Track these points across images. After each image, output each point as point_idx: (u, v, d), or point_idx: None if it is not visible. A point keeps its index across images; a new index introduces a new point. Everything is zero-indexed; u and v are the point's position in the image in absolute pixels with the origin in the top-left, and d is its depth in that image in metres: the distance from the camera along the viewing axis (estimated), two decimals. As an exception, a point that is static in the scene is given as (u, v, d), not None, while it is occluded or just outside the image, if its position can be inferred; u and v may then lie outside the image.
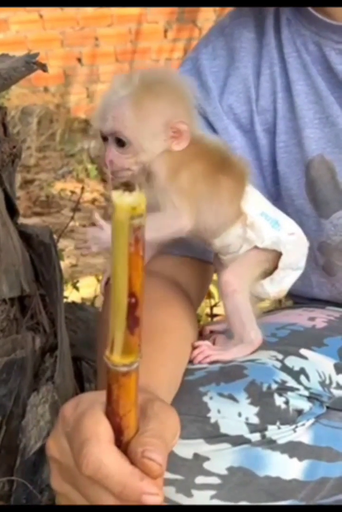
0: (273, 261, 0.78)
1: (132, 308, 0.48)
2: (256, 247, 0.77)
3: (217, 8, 4.14)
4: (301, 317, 0.89)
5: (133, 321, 0.48)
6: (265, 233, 0.77)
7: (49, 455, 0.58)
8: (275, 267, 0.79)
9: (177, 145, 0.74)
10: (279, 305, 1.49)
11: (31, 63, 0.89)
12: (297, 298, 0.99)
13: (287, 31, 0.87)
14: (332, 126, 0.86)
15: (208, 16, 4.17)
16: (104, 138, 0.74)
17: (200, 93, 0.89)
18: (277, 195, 0.89)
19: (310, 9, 0.86)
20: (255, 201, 0.78)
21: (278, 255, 0.78)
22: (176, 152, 0.74)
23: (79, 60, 4.14)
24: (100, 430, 0.53)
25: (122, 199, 0.45)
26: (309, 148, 0.86)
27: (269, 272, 0.79)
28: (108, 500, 0.53)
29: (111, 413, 0.53)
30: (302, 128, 0.86)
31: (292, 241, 0.79)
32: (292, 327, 0.85)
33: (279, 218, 0.79)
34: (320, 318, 0.89)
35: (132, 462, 0.54)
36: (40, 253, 1.16)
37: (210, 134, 0.83)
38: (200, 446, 0.73)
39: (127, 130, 0.72)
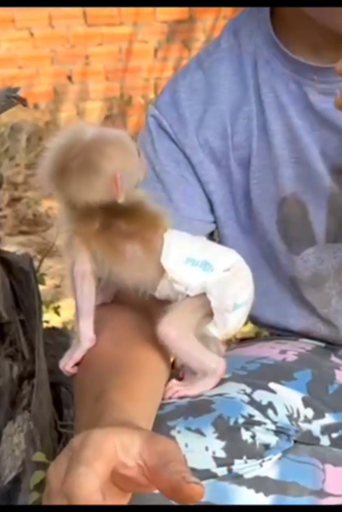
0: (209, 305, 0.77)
1: None
2: (188, 296, 0.76)
3: (207, 30, 4.18)
4: (272, 350, 0.91)
5: None
6: (192, 281, 0.76)
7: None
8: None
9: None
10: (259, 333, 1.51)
11: (12, 98, 0.91)
12: (272, 329, 1.00)
13: (264, 72, 0.88)
14: (306, 166, 0.87)
15: (197, 36, 4.21)
16: None
17: (177, 126, 0.91)
18: (249, 228, 0.91)
19: (289, 52, 0.86)
20: (177, 251, 0.76)
21: None
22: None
23: (69, 78, 4.17)
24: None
25: None
26: (282, 187, 0.87)
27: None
28: None
29: None
30: (277, 167, 0.88)
31: (224, 280, 0.77)
32: (262, 360, 0.87)
33: (210, 257, 0.77)
34: (291, 351, 0.91)
35: None
36: (20, 280, 1.17)
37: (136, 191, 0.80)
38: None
39: None
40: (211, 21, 4.18)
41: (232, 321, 0.79)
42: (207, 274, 0.76)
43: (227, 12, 4.26)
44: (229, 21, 0.94)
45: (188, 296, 0.77)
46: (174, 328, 0.76)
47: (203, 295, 0.76)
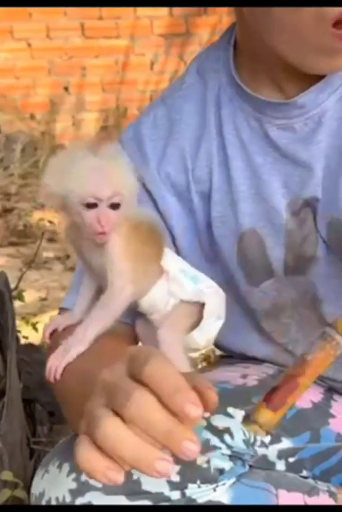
0: (197, 314, 0.84)
1: None
2: (181, 301, 0.84)
3: (203, 43, 4.21)
4: (234, 374, 0.92)
5: None
6: (187, 286, 0.84)
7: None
8: (200, 320, 0.85)
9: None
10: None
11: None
12: (240, 356, 1.01)
13: (227, 110, 0.90)
14: (265, 203, 0.88)
15: (193, 49, 4.25)
16: (89, 205, 0.78)
17: (139, 162, 0.94)
18: (212, 257, 0.93)
19: (249, 90, 0.88)
20: (173, 260, 0.86)
21: (201, 308, 0.84)
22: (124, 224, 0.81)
23: (66, 89, 4.20)
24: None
25: None
26: (242, 221, 0.89)
27: (195, 325, 0.85)
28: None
29: None
30: (237, 202, 0.89)
31: (211, 292, 0.86)
32: (222, 385, 0.88)
33: (197, 274, 0.86)
34: (253, 375, 0.92)
35: None
36: (-5, 299, 1.19)
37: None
38: (120, 503, 0.75)
39: (126, 191, 0.80)
40: (207, 35, 4.21)
41: (214, 329, 0.86)
42: (196, 285, 0.85)
43: (223, 26, 4.30)
44: (194, 58, 0.96)
45: (181, 302, 0.83)
46: (171, 334, 0.82)
47: (192, 304, 0.84)
